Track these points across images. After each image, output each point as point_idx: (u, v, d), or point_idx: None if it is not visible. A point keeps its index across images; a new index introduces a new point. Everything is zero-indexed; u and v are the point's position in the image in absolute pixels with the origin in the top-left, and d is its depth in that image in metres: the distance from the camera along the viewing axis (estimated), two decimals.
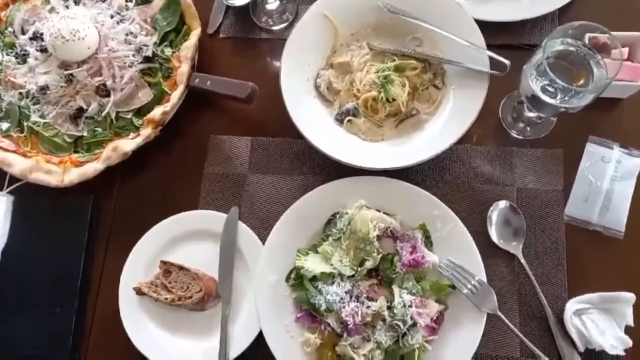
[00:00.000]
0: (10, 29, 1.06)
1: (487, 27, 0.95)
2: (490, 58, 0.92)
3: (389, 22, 0.99)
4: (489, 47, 0.93)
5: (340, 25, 0.99)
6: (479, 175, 0.96)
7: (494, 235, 0.90)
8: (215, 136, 1.02)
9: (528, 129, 0.98)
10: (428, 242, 0.88)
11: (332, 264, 0.86)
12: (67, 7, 1.05)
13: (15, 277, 0.95)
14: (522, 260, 0.89)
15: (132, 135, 0.98)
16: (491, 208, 0.92)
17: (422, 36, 0.99)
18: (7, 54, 1.04)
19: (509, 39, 1.02)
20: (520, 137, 0.98)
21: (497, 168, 0.96)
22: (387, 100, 0.92)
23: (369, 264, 0.85)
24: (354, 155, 0.91)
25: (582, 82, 0.81)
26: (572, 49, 0.82)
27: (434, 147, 0.89)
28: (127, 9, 1.04)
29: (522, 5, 1.02)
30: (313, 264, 0.86)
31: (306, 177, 0.97)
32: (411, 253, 0.86)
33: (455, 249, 0.88)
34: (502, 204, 0.91)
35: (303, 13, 1.06)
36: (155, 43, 1.02)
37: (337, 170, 0.92)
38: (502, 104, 1.00)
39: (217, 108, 1.03)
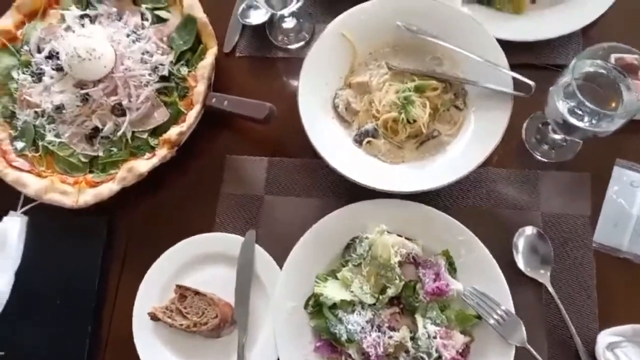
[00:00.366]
0: (26, 47, 1.05)
1: (507, 47, 0.92)
2: (514, 78, 0.90)
3: (408, 41, 0.97)
4: (511, 66, 0.91)
5: (359, 45, 0.97)
6: (503, 199, 0.93)
7: (520, 263, 0.87)
8: (232, 156, 1.00)
9: (553, 151, 0.95)
10: (452, 269, 0.86)
11: (352, 291, 0.83)
12: (83, 25, 1.04)
13: (29, 299, 0.93)
14: (550, 289, 0.85)
15: (147, 155, 0.96)
16: (517, 234, 0.89)
17: (442, 55, 0.97)
18: (23, 73, 1.03)
19: (530, 59, 1.00)
20: (545, 160, 0.95)
21: (521, 192, 0.93)
22: (408, 121, 0.90)
23: (391, 292, 0.82)
24: (373, 178, 0.88)
25: (612, 105, 0.79)
26: (601, 71, 0.80)
27: (457, 170, 0.86)
28: (143, 28, 1.03)
29: (544, 24, 1.00)
30: (332, 291, 0.83)
31: (324, 199, 0.95)
32: (434, 280, 0.83)
33: (480, 277, 0.85)
34: (529, 230, 0.88)
35: (320, 32, 1.05)
36: (171, 62, 1.01)
37: (356, 191, 0.90)
38: (525, 125, 0.97)
39: (233, 128, 1.02)
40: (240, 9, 1.06)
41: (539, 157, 0.95)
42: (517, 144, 0.97)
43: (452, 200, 0.93)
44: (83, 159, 0.97)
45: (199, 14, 1.02)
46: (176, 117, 0.98)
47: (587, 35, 1.01)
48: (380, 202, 0.89)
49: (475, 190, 0.94)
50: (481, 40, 0.93)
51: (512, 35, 0.98)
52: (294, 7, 0.95)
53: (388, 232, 0.87)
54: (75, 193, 0.93)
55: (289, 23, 1.05)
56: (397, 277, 0.83)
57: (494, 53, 0.92)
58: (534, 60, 1.00)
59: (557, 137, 0.94)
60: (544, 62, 1.00)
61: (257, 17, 1.06)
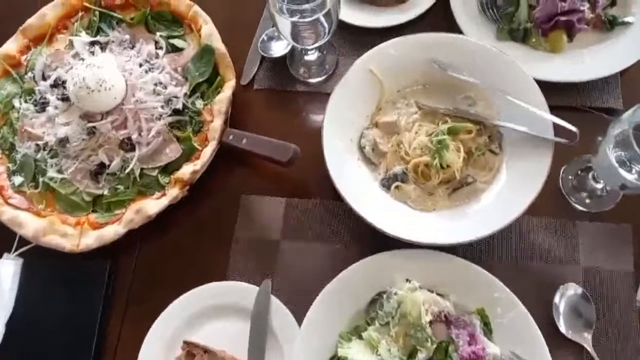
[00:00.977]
0: (30, 74, 0.99)
1: (542, 87, 0.86)
2: (554, 123, 0.84)
3: (439, 79, 0.91)
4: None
5: (387, 82, 0.91)
6: (540, 251, 0.86)
7: (561, 325, 0.80)
8: (248, 196, 0.92)
9: (592, 200, 0.89)
10: (487, 330, 0.78)
11: (379, 354, 0.76)
12: (92, 52, 0.98)
13: (23, 349, 0.85)
14: (593, 354, 0.78)
15: (157, 194, 0.89)
16: (557, 293, 0.81)
17: (476, 95, 0.91)
18: (26, 101, 0.97)
19: (566, 100, 0.94)
20: (583, 209, 0.88)
21: (559, 244, 0.86)
22: (441, 166, 0.83)
23: (422, 356, 0.74)
24: (402, 227, 0.81)
25: None
26: None
27: (492, 223, 0.79)
28: (157, 57, 0.97)
29: (582, 64, 0.94)
30: (358, 354, 0.75)
31: (347, 246, 0.88)
32: (469, 344, 0.75)
33: (518, 339, 0.77)
34: (571, 289, 0.81)
35: (343, 65, 1.00)
36: (185, 94, 0.94)
37: (383, 240, 0.82)
38: (562, 170, 0.91)
39: (249, 164, 0.94)
40: (261, 39, 1.01)
41: (577, 206, 0.89)
42: (552, 189, 0.91)
43: (485, 251, 0.86)
44: (86, 198, 0.89)
45: (218, 44, 0.96)
46: (189, 154, 0.91)
47: (625, 76, 0.96)
48: (409, 253, 0.82)
49: (510, 240, 0.87)
50: (518, 80, 0.87)
51: (548, 75, 0.92)
52: (321, 41, 0.89)
53: (420, 286, 0.79)
54: (76, 235, 0.86)
55: (312, 56, 1.00)
56: (429, 339, 0.76)
57: (532, 94, 0.86)
58: (570, 102, 0.94)
59: (598, 186, 0.88)
60: (582, 104, 0.94)
61: (278, 48, 1.00)
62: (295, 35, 0.87)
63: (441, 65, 0.90)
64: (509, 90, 0.87)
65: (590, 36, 0.96)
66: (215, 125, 0.91)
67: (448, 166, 0.83)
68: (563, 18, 0.92)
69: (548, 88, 0.88)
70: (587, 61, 0.94)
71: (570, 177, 0.91)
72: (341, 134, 0.88)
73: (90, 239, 0.85)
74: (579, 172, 0.90)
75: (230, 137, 0.90)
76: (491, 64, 0.89)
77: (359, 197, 0.84)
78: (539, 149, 0.83)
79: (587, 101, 0.94)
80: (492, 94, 0.88)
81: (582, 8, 0.92)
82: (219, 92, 0.94)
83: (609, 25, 0.95)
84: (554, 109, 0.85)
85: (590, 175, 0.88)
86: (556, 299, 0.81)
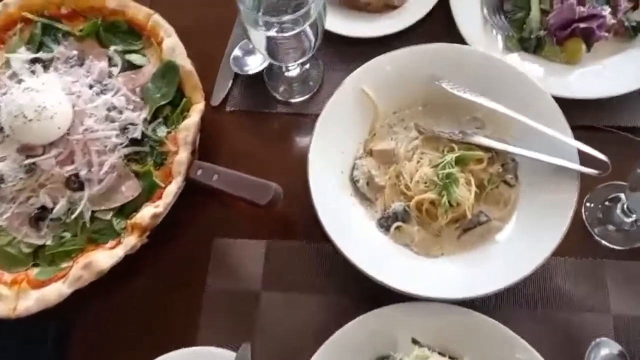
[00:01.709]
0: None
1: (559, 104, 0.75)
2: (579, 151, 0.72)
3: (442, 98, 0.79)
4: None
5: (381, 102, 0.79)
6: (565, 298, 0.74)
7: None
8: (221, 240, 0.79)
9: (619, 234, 0.77)
10: None
11: None
12: (33, 72, 0.83)
13: None
14: None
15: (110, 243, 0.74)
16: (589, 350, 0.69)
17: (484, 117, 0.79)
18: None
19: (586, 119, 0.82)
20: (610, 245, 0.77)
21: (586, 288, 0.74)
22: (450, 204, 0.70)
23: None
24: (405, 277, 0.68)
25: None
26: None
27: (513, 269, 0.67)
28: (111, 77, 0.82)
29: (603, 78, 0.82)
30: None
31: (341, 298, 0.74)
32: None
33: None
34: (604, 348, 0.69)
35: (329, 81, 0.87)
36: (145, 120, 0.80)
37: (381, 289, 0.69)
38: (585, 200, 0.79)
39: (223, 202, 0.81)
40: (233, 54, 0.87)
41: (603, 241, 0.77)
42: (574, 221, 0.78)
43: (502, 299, 0.73)
44: (25, 249, 0.74)
45: (182, 60, 0.82)
46: (150, 192, 0.77)
47: None
48: (414, 307, 0.69)
49: (530, 285, 0.75)
50: (533, 98, 0.75)
51: (566, 91, 0.80)
52: (305, 57, 0.75)
53: (429, 347, 0.67)
54: (12, 297, 0.70)
55: (293, 71, 0.86)
56: None
57: (551, 115, 0.74)
58: (591, 122, 0.82)
59: (628, 219, 0.76)
60: (605, 123, 0.82)
61: (254, 63, 0.86)
62: (274, 51, 0.74)
63: (443, 83, 0.77)
64: (524, 111, 0.74)
65: (610, 45, 0.84)
66: (181, 157, 0.77)
67: (458, 204, 0.71)
68: (582, 25, 0.80)
69: (565, 105, 0.76)
70: (609, 74, 0.82)
71: (594, 207, 0.79)
72: (330, 166, 0.75)
73: (30, 301, 0.70)
74: (606, 202, 0.78)
75: (199, 172, 0.76)
76: (501, 79, 0.77)
77: (353, 240, 0.71)
78: (563, 180, 0.71)
79: (611, 120, 0.82)
80: (503, 115, 0.76)
81: (603, 13, 0.80)
82: (185, 117, 0.80)
83: (632, 31, 0.83)
84: (573, 130, 0.74)
85: (619, 207, 0.76)
86: (587, 357, 0.69)
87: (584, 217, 0.78)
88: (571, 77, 0.83)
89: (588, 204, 0.79)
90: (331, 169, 0.75)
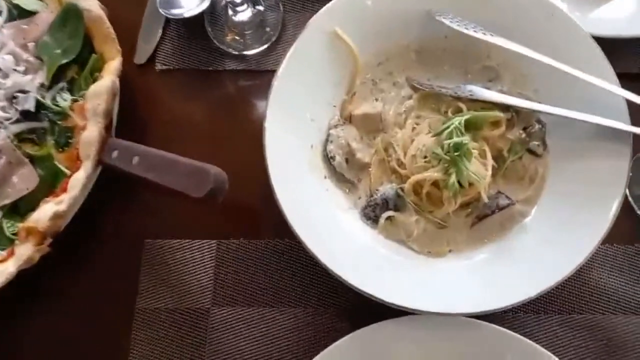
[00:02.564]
0: None
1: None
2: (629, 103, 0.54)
3: (443, 41, 0.60)
4: None
5: (361, 50, 0.59)
6: (605, 299, 0.57)
7: None
8: (155, 241, 0.61)
9: None
10: None
11: None
12: None
13: None
14: None
15: (1, 254, 0.54)
16: None
17: (499, 65, 0.60)
18: None
19: (623, 65, 0.63)
20: None
21: (629, 283, 0.57)
22: (460, 185, 0.51)
23: None
24: (400, 287, 0.51)
25: None
26: None
27: (545, 270, 0.50)
28: None
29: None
30: None
31: (318, 313, 0.57)
32: None
33: None
34: None
35: (293, 26, 0.67)
36: (41, 86, 0.60)
37: (369, 300, 0.51)
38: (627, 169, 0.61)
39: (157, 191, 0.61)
40: None
41: None
42: None
43: (526, 304, 0.56)
44: None
45: (89, 2, 0.60)
46: (52, 184, 0.57)
47: None
48: (413, 322, 0.51)
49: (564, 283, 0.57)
50: (565, 37, 0.57)
51: (599, 28, 0.61)
52: None
53: None
54: None
55: (243, 14, 0.65)
56: None
57: (588, 58, 0.56)
58: (629, 67, 0.64)
59: None
60: None
61: (189, 3, 0.64)
62: None
63: (444, 18, 0.58)
64: (551, 53, 0.56)
65: None
66: (90, 134, 0.56)
67: (470, 184, 0.52)
68: None
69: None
70: None
71: (638, 179, 0.61)
72: (295, 138, 0.56)
73: None
74: None
75: (114, 153, 0.55)
76: (521, 12, 0.59)
77: (328, 238, 0.54)
78: (607, 145, 0.54)
79: None
80: (524, 60, 0.57)
81: None
82: (95, 80, 0.59)
83: None
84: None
85: None
86: None
87: (627, 193, 0.60)
88: (604, 10, 0.65)
89: (630, 176, 0.61)
90: (297, 142, 0.56)
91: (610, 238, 0.54)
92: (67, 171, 0.58)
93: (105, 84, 0.58)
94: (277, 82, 0.54)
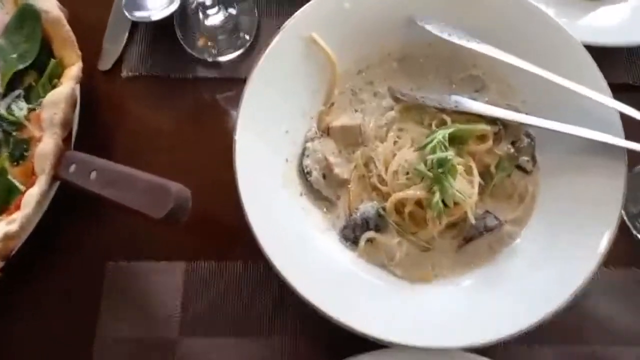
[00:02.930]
0: None
1: None
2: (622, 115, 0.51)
3: (426, 49, 0.57)
4: None
5: (340, 58, 0.55)
6: (599, 325, 0.54)
7: None
8: (117, 264, 0.56)
9: None
10: None
11: None
12: None
13: None
14: None
15: None
16: None
17: (485, 74, 0.57)
18: None
19: (619, 75, 0.61)
20: None
21: (629, 311, 0.54)
22: (445, 204, 0.48)
23: None
24: (382, 317, 0.47)
25: None
26: None
27: (537, 298, 0.47)
28: None
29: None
30: None
31: (296, 342, 0.53)
32: None
33: None
34: None
35: (268, 31, 0.63)
36: None
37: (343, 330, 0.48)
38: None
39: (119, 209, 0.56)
40: None
41: None
42: None
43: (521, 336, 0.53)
44: None
45: (46, 2, 0.56)
46: (5, 201, 0.52)
47: None
48: (395, 356, 0.47)
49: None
50: (555, 45, 0.54)
51: (588, 35, 0.58)
52: None
53: None
54: None
55: (214, 17, 0.61)
56: None
57: (578, 68, 0.53)
58: (625, 77, 0.61)
59: None
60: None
61: (157, 4, 0.60)
62: None
63: (427, 25, 0.54)
64: (540, 63, 0.53)
65: None
66: (45, 146, 0.51)
67: (455, 203, 0.48)
68: None
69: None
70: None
71: (634, 196, 0.58)
72: (268, 152, 0.52)
73: None
74: None
75: (72, 167, 0.51)
76: (508, 18, 0.55)
77: (304, 261, 0.49)
78: (601, 161, 0.50)
79: None
80: (511, 70, 0.54)
81: None
82: (54, 87, 0.54)
83: None
84: None
85: None
86: None
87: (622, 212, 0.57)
88: (592, 17, 0.62)
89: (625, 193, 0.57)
90: (270, 156, 0.52)
91: (605, 260, 0.51)
92: (22, 187, 0.53)
93: (63, 91, 0.54)
94: (248, 91, 0.50)
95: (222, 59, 0.62)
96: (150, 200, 0.45)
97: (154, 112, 0.61)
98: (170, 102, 0.61)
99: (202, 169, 0.57)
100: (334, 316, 0.46)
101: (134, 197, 0.46)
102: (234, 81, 0.61)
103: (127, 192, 0.47)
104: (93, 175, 0.50)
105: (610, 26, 0.61)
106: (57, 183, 0.53)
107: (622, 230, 0.55)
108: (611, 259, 0.53)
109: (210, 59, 0.62)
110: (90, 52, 0.60)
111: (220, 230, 0.57)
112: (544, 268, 0.48)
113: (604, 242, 0.47)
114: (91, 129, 0.58)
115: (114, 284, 0.55)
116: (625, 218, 0.57)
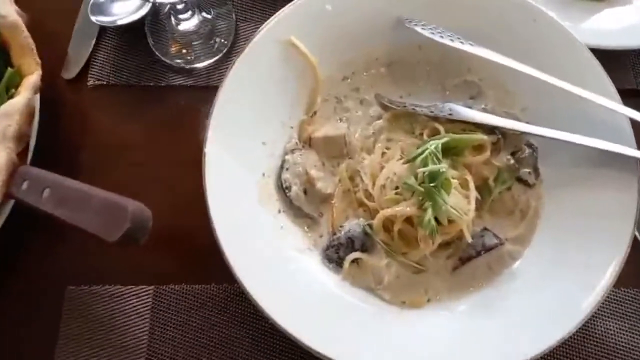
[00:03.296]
0: None
1: None
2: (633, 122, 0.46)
3: (417, 53, 0.53)
4: None
5: (323, 63, 0.51)
6: (610, 351, 0.49)
7: None
8: (79, 288, 0.51)
9: None
10: None
11: None
12: None
13: None
14: None
15: None
16: None
17: (482, 80, 0.52)
18: None
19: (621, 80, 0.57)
20: None
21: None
22: (438, 222, 0.43)
23: None
24: (369, 346, 0.42)
25: None
26: None
27: (539, 329, 0.41)
28: None
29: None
30: None
31: None
32: None
33: None
34: None
35: (245, 37, 0.59)
36: None
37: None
38: None
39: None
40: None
41: None
42: None
43: None
44: None
45: (3, 7, 0.51)
46: None
47: None
48: None
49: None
50: (558, 48, 0.50)
51: (595, 39, 0.54)
52: None
53: None
54: None
55: (188, 22, 0.57)
56: None
57: (585, 72, 0.48)
58: (629, 82, 0.57)
59: None
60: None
61: (125, 9, 0.56)
62: None
63: (417, 26, 0.50)
64: (542, 66, 0.49)
65: None
66: None
67: (450, 220, 0.43)
68: None
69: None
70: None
71: None
72: (242, 165, 0.47)
73: None
74: None
75: (25, 184, 0.46)
76: (505, 18, 0.51)
77: (283, 285, 0.44)
78: (610, 173, 0.46)
79: None
80: (510, 74, 0.50)
81: None
82: (10, 97, 0.50)
83: None
84: None
85: None
86: None
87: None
88: (597, 19, 0.58)
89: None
90: (245, 170, 0.47)
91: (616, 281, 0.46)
92: None
93: (18, 102, 0.49)
94: (220, 99, 0.46)
95: (197, 65, 0.58)
96: (104, 220, 0.40)
97: (122, 123, 0.56)
98: (140, 112, 0.57)
99: (174, 184, 0.53)
100: (314, 347, 0.41)
101: (87, 217, 0.40)
102: (209, 89, 0.56)
103: (80, 212, 0.41)
104: (46, 192, 0.45)
105: (615, 28, 0.57)
106: (11, 202, 0.49)
107: (635, 248, 0.50)
108: (621, 278, 0.49)
109: (184, 66, 0.57)
110: (53, 59, 0.56)
111: (193, 251, 0.52)
112: (549, 292, 0.44)
113: (615, 263, 0.42)
114: (53, 142, 0.53)
115: (74, 310, 0.50)
116: (637, 234, 0.52)
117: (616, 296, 0.50)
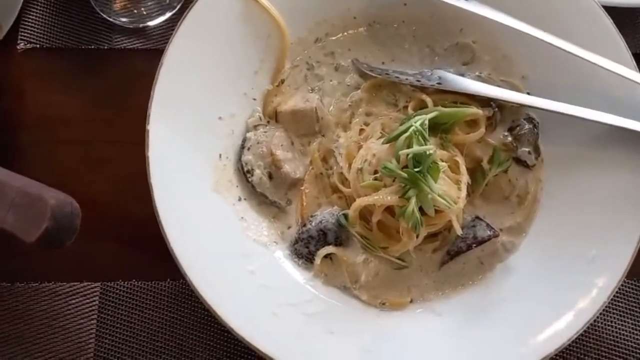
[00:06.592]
0: None
1: None
2: None
3: (401, 9, 0.47)
4: None
5: (292, 21, 0.45)
6: (620, 347, 0.45)
7: None
8: (13, 285, 0.46)
9: None
10: None
11: None
12: None
13: None
14: None
15: None
16: None
17: (477, 42, 0.46)
18: None
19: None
20: None
21: None
22: (422, 212, 0.37)
23: None
24: (343, 355, 0.36)
25: None
26: None
27: (538, 334, 0.37)
28: None
29: None
30: None
31: None
32: None
33: None
34: None
35: None
36: None
37: None
38: None
39: None
40: None
41: None
42: None
43: None
44: None
45: None
46: None
47: None
48: None
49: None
50: (564, 6, 0.44)
51: None
52: None
53: None
54: None
55: None
56: None
57: (595, 34, 0.43)
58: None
59: None
60: None
61: None
62: None
63: None
64: (545, 26, 0.43)
65: None
66: None
67: (438, 210, 0.37)
68: None
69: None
70: None
71: None
72: (195, 145, 0.41)
73: None
74: None
75: None
76: None
77: (242, 285, 0.40)
78: (622, 153, 0.41)
79: None
80: (508, 36, 0.44)
81: None
82: None
83: None
84: None
85: None
86: None
87: None
88: None
89: None
90: (197, 150, 0.41)
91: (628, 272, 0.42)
92: None
93: None
94: (165, 66, 0.39)
95: (147, 24, 0.51)
96: (21, 216, 0.33)
97: (59, 93, 0.50)
98: (80, 80, 0.51)
99: (121, 165, 0.47)
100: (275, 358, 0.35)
101: (1, 212, 0.34)
102: (160, 52, 0.48)
103: None
104: None
105: None
106: None
107: None
108: (633, 269, 0.44)
109: (130, 25, 0.52)
110: None
111: (144, 243, 0.46)
112: (548, 289, 0.39)
113: (626, 255, 0.37)
114: None
115: (11, 310, 0.45)
116: None
117: (626, 288, 0.45)
